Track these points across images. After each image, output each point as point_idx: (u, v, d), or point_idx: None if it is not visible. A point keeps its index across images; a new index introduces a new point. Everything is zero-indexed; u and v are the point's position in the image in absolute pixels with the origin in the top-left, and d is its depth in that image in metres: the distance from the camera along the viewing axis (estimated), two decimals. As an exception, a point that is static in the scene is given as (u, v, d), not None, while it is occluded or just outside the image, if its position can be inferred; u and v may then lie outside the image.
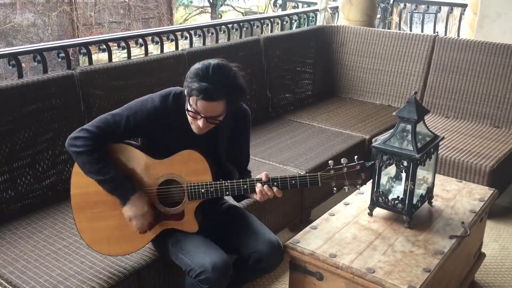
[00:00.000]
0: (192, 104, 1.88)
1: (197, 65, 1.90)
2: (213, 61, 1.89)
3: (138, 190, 1.96)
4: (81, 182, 1.99)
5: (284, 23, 4.55)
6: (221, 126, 2.05)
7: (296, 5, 5.59)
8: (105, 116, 1.99)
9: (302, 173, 2.90)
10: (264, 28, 4.43)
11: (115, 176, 1.93)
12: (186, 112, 1.93)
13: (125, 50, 3.21)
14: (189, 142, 2.01)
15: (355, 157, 2.00)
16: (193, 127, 1.96)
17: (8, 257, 2.11)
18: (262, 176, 1.98)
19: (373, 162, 2.13)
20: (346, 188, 2.00)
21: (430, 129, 2.30)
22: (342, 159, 1.98)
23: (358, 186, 2.02)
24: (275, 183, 1.97)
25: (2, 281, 1.98)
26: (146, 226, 1.98)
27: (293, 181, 1.97)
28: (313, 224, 2.23)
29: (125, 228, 2.01)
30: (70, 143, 1.95)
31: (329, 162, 1.99)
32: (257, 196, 1.99)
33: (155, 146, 2.04)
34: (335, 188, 1.99)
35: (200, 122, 1.90)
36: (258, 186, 1.97)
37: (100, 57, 4.31)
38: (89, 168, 1.93)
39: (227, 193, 1.98)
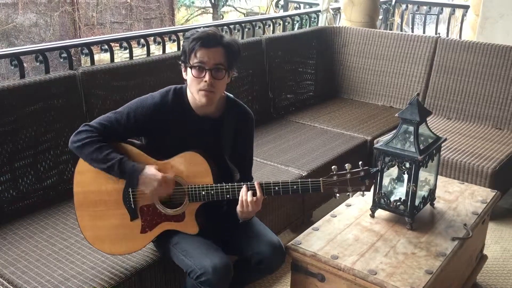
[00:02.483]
0: (193, 60, 1.92)
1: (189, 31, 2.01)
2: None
3: (143, 167, 1.93)
4: (83, 181, 2.00)
5: (286, 24, 4.55)
6: (225, 126, 2.05)
7: (298, 6, 5.59)
8: (106, 115, 2.01)
9: (303, 174, 2.89)
10: (266, 29, 4.43)
11: (119, 161, 1.91)
12: (191, 71, 1.93)
13: (127, 51, 3.21)
14: (192, 141, 2.01)
15: (360, 162, 1.96)
16: (201, 96, 1.94)
17: (9, 257, 2.10)
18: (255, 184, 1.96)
19: (378, 168, 2.11)
20: (350, 195, 1.98)
21: (432, 131, 2.30)
22: (346, 165, 1.94)
23: (363, 193, 1.98)
24: (276, 188, 1.95)
25: (4, 281, 1.98)
26: (170, 189, 1.96)
27: (295, 186, 1.95)
28: (315, 225, 2.22)
29: (127, 228, 2.01)
30: (72, 140, 1.96)
31: (332, 167, 1.95)
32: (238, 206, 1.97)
33: (158, 145, 2.04)
34: (337, 194, 1.96)
35: (206, 77, 1.91)
36: (242, 191, 1.95)
37: (102, 58, 4.31)
38: (95, 157, 1.92)
39: (228, 196, 1.98)
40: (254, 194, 1.94)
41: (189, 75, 1.95)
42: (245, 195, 1.94)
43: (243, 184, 1.96)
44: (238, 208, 1.98)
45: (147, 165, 1.95)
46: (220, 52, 1.93)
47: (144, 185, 1.93)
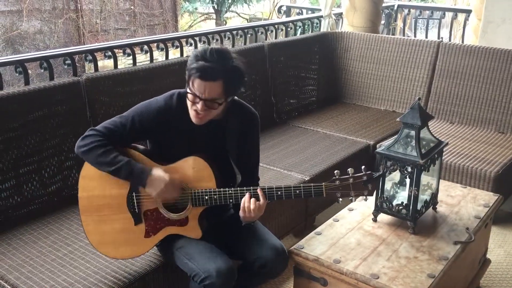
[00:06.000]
0: (191, 87, 1.90)
1: (197, 49, 1.96)
2: (212, 45, 1.93)
3: (150, 168, 1.95)
4: (88, 185, 2.01)
5: (289, 29, 4.57)
6: (229, 128, 2.06)
7: (300, 11, 5.61)
8: (112, 119, 2.03)
9: (306, 179, 2.90)
10: (268, 34, 4.45)
11: (127, 163, 1.93)
12: (186, 98, 1.94)
13: (131, 57, 3.24)
14: (196, 145, 2.03)
15: (362, 167, 1.96)
16: (192, 116, 1.96)
17: (14, 262, 2.12)
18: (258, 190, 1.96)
19: (380, 173, 2.11)
20: (353, 199, 1.99)
21: (434, 135, 2.30)
22: (348, 169, 1.95)
23: (365, 198, 1.98)
24: (279, 192, 1.96)
25: (8, 286, 1.99)
26: (177, 193, 1.97)
27: (297, 191, 1.96)
28: (318, 229, 2.23)
29: (131, 232, 2.03)
30: (79, 145, 1.98)
31: (335, 172, 1.95)
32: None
33: (162, 149, 2.05)
34: (340, 199, 1.97)
35: (198, 105, 1.90)
36: (245, 197, 1.96)
37: (105, 64, 4.35)
38: (101, 161, 1.93)
39: (231, 200, 1.99)
40: (257, 200, 1.95)
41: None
42: (247, 201, 1.95)
43: (245, 189, 1.97)
44: (241, 213, 1.99)
45: (155, 167, 1.96)
46: (218, 86, 1.88)
47: (151, 186, 1.94)
